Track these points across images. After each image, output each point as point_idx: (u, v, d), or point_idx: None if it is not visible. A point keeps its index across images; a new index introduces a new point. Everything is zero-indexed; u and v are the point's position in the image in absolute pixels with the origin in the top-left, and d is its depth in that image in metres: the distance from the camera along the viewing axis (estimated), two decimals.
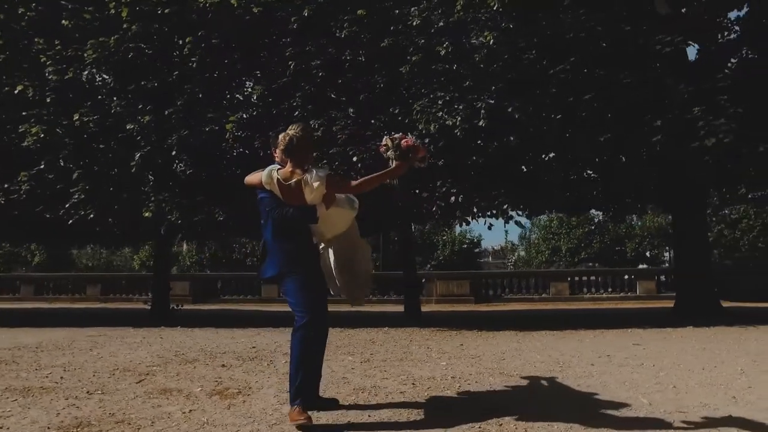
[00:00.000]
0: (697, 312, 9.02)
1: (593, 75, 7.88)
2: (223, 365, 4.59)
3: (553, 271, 19.18)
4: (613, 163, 8.56)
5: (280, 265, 3.09)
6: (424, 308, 11.53)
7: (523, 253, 41.49)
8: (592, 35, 7.92)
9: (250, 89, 8.73)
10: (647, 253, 35.18)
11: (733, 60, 9.55)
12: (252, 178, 3.18)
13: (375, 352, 5.64)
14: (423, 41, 8.14)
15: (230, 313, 12.90)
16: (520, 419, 2.93)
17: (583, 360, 5.02)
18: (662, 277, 16.59)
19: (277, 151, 3.21)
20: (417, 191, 7.94)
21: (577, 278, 16.77)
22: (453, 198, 7.76)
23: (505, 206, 8.03)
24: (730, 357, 5.05)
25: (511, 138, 7.71)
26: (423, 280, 16.03)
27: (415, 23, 8.18)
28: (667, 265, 29.46)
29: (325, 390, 3.35)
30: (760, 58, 9.12)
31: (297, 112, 7.99)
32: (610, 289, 16.23)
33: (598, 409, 3.20)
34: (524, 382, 4.05)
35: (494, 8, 7.69)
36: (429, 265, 30.03)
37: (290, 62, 7.97)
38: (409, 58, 8.12)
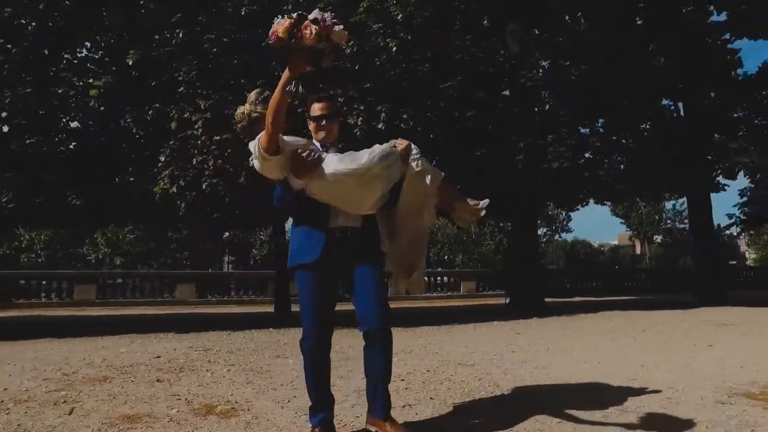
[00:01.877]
0: (527, 306, 10.77)
1: (475, 95, 8.78)
2: (158, 380, 3.77)
3: None
4: (481, 176, 9.60)
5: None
6: None
7: None
8: (474, 59, 8.81)
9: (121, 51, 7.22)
10: (445, 258, 39.98)
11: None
12: None
13: None
14: None
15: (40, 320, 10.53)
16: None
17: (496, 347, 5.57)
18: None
19: None
20: None
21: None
22: None
23: None
24: (582, 338, 6.20)
25: None
26: None
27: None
28: (458, 268, 33.47)
29: None
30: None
31: (182, 88, 7.01)
32: (439, 289, 18.05)
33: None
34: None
35: (398, 17, 7.97)
36: None
37: (178, 30, 6.93)
38: None
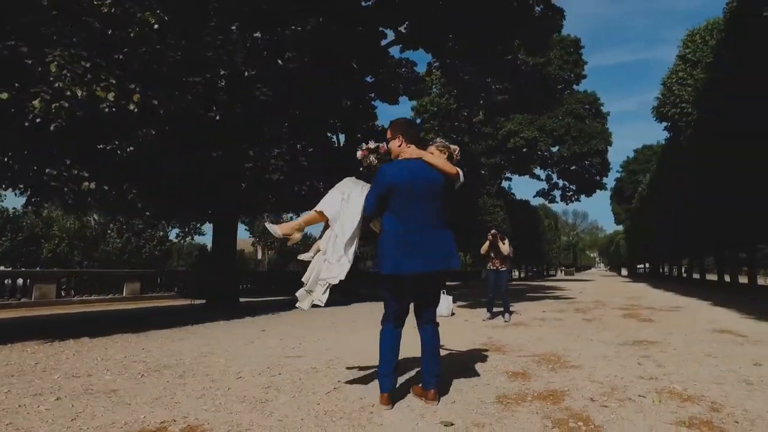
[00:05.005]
0: (224, 306, 11.25)
1: (218, 96, 8.82)
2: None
3: (38, 272, 16.04)
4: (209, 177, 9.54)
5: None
6: None
7: None
8: (220, 60, 8.86)
9: None
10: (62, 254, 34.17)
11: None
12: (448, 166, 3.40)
13: None
14: None
15: None
16: None
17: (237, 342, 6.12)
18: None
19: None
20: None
21: (64, 279, 15.01)
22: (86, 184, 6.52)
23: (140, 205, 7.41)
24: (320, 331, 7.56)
25: (153, 132, 7.39)
26: None
27: None
28: (78, 268, 29.70)
29: None
30: None
31: None
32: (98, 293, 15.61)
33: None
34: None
35: None
36: None
37: None
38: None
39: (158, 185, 8.48)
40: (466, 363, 4.70)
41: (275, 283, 22.80)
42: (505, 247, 8.60)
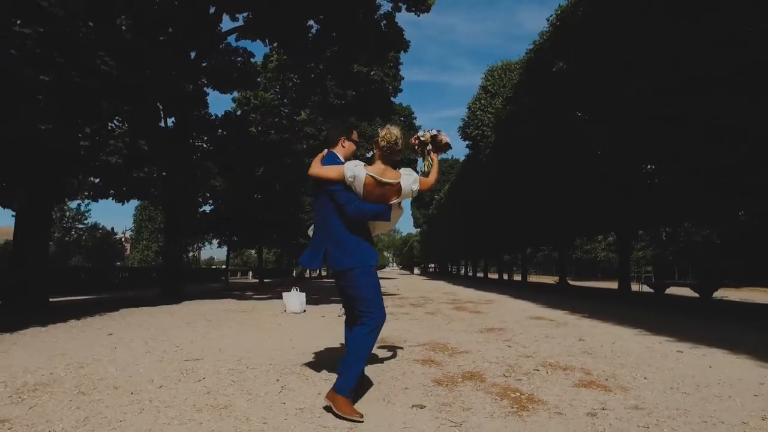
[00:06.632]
0: (28, 306, 9.33)
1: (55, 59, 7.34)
2: None
3: None
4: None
5: (358, 259, 3.04)
6: None
7: None
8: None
9: None
10: None
11: None
12: (327, 171, 3.03)
13: None
14: None
15: None
16: None
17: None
18: None
19: (376, 148, 3.14)
20: None
21: None
22: None
23: None
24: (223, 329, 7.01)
25: None
26: None
27: None
28: None
29: None
30: None
31: None
32: None
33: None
34: None
35: None
36: None
37: None
38: None
39: None
40: (372, 356, 5.00)
41: (58, 281, 19.28)
42: None
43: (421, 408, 3.22)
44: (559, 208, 16.43)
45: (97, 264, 43.61)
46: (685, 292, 17.84)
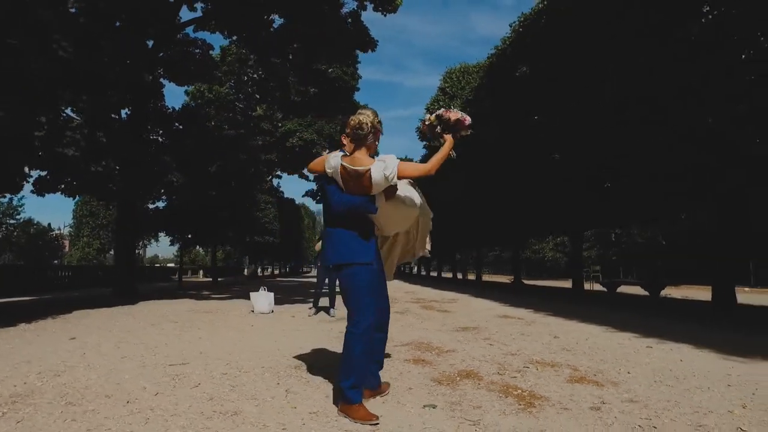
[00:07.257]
0: None
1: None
2: None
3: None
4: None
5: (342, 255, 2.85)
6: None
7: None
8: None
9: None
10: None
11: None
12: (314, 165, 2.91)
13: None
14: None
15: None
16: None
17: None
18: None
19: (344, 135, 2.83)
20: None
21: None
22: None
23: None
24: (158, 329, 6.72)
25: None
26: None
27: None
28: None
29: None
30: None
31: None
32: None
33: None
34: None
35: None
36: None
37: None
38: None
39: None
40: None
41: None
42: None
43: (433, 408, 3.24)
44: (515, 209, 16.97)
45: (31, 262, 40.69)
46: (636, 290, 18.94)
